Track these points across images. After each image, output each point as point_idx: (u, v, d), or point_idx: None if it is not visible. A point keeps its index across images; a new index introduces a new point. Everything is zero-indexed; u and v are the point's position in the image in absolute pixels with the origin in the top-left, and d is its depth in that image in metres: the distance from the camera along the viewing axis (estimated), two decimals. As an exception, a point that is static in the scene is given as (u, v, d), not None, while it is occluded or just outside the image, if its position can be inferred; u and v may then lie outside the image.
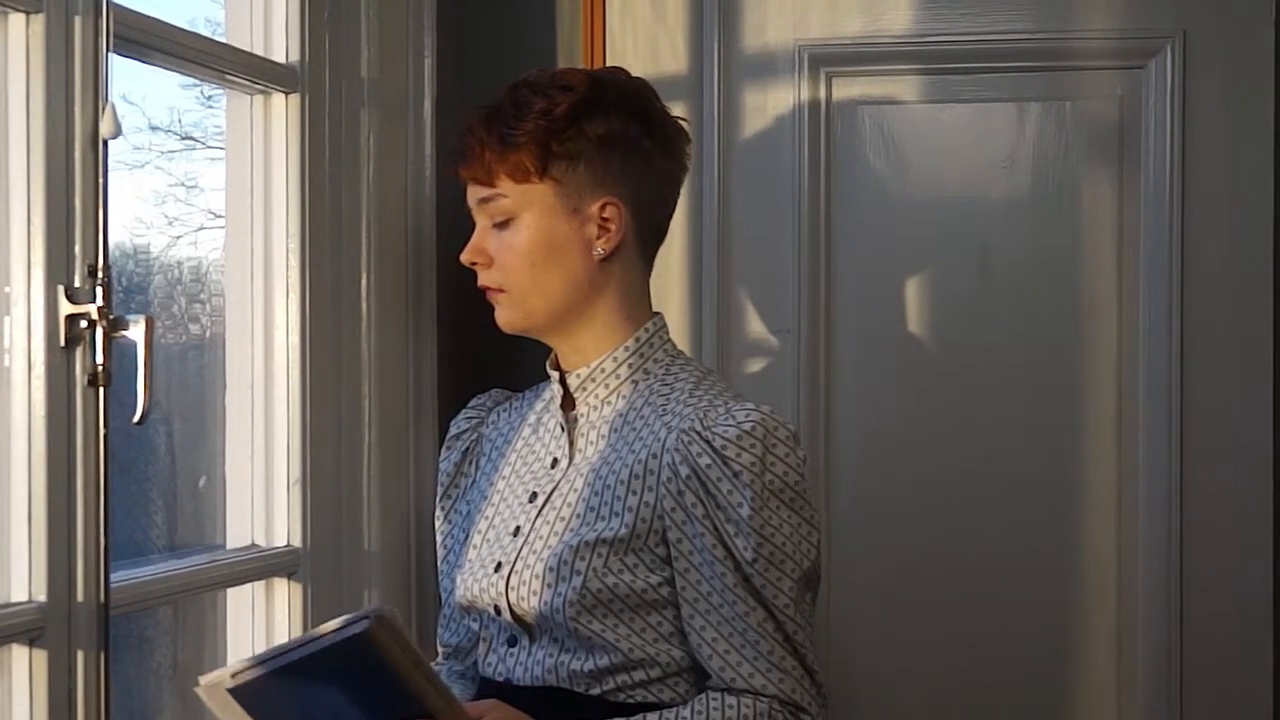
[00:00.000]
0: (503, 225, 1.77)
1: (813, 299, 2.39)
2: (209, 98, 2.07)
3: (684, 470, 1.68)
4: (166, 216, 2.04)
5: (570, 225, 1.76)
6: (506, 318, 1.80)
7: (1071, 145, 2.36)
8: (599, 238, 1.76)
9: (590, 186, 1.75)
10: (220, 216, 2.03)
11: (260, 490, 1.97)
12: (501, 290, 1.78)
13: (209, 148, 2.08)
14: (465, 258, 1.80)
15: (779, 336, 2.29)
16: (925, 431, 2.39)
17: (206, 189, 2.07)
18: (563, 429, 1.81)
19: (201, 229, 2.07)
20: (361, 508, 2.08)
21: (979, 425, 2.38)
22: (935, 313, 2.40)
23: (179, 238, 2.06)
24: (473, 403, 1.98)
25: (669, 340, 1.84)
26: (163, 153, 2.02)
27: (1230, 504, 2.32)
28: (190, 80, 2.00)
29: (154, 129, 2.00)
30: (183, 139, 2.06)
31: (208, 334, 2.09)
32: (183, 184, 2.06)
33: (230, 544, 1.97)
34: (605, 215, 1.76)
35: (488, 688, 1.80)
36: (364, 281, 2.08)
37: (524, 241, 1.76)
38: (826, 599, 2.36)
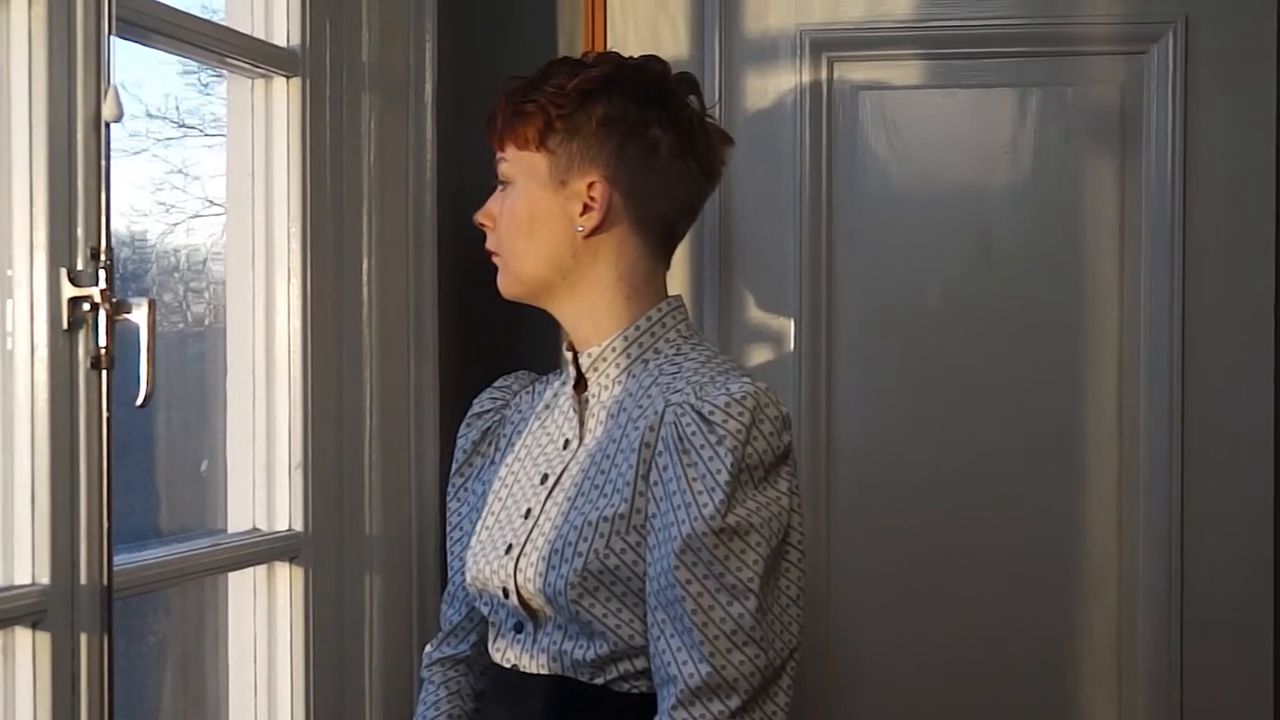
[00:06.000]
0: (506, 190, 1.80)
1: (814, 284, 2.39)
2: (206, 85, 2.07)
3: (672, 441, 1.65)
4: (163, 204, 2.04)
5: (556, 198, 1.77)
6: (500, 282, 1.83)
7: (1073, 131, 2.36)
8: (582, 214, 1.76)
9: (581, 163, 1.76)
10: (216, 204, 2.03)
11: (262, 474, 1.97)
12: (497, 254, 1.82)
13: (206, 135, 2.08)
14: (475, 218, 1.84)
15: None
16: (926, 417, 2.38)
17: (203, 176, 2.07)
18: (575, 410, 1.80)
19: (198, 216, 2.07)
20: (363, 492, 2.08)
21: (979, 411, 2.37)
22: (936, 298, 2.39)
23: (175, 225, 2.06)
24: (498, 382, 1.98)
25: (684, 322, 1.82)
26: (159, 140, 2.02)
27: (1231, 494, 2.32)
28: (187, 67, 2.00)
29: (151, 116, 2.00)
30: (179, 126, 2.05)
31: (207, 320, 2.08)
32: (179, 171, 2.06)
33: (232, 528, 1.97)
34: (592, 194, 1.76)
35: (496, 674, 1.81)
36: (365, 266, 2.08)
37: (514, 208, 1.79)
38: (826, 581, 2.36)
